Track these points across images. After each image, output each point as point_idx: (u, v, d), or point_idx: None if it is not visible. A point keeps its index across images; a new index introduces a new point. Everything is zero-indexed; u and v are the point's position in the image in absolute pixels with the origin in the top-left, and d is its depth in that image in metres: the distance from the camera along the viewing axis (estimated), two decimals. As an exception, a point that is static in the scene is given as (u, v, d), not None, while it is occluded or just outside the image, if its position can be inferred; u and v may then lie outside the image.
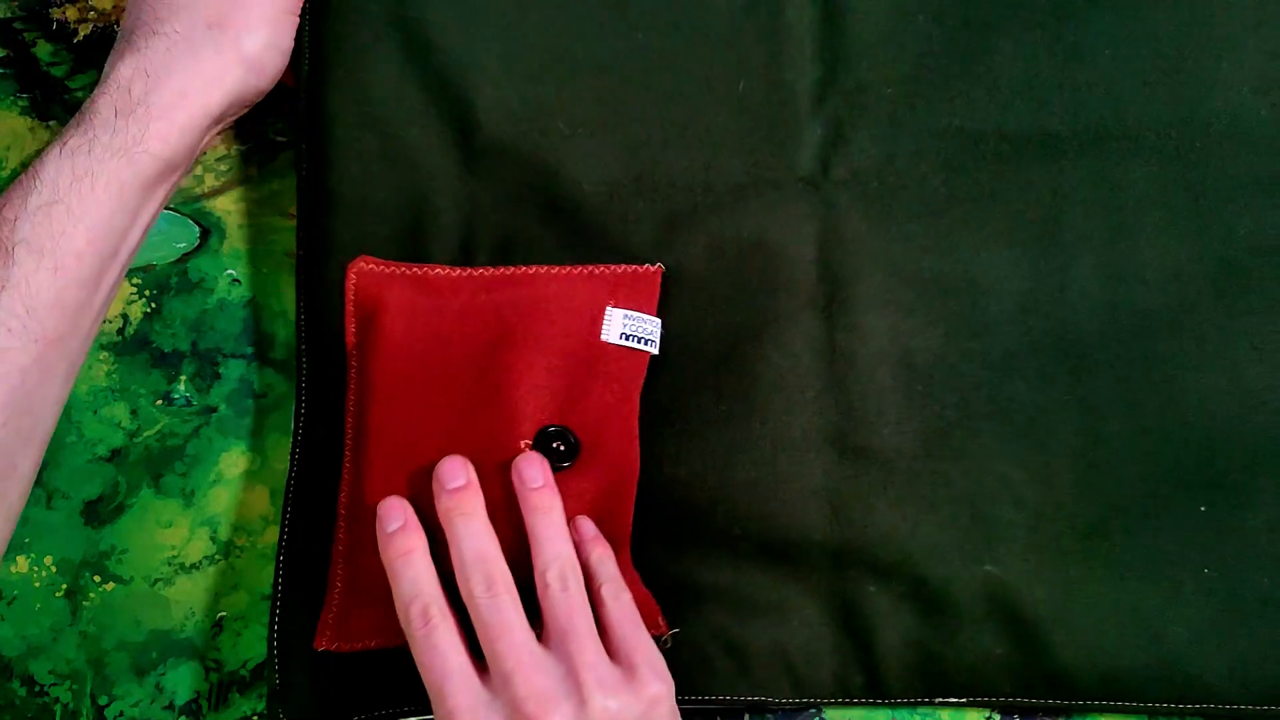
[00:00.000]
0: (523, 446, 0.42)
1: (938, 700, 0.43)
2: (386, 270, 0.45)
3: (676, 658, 0.42)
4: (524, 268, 0.45)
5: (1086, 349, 0.44)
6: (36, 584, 0.46)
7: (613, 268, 0.45)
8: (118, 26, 0.50)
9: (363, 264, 0.45)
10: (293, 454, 0.45)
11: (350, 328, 0.45)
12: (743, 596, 0.43)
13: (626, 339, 0.44)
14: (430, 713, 0.43)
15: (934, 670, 0.42)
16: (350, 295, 0.45)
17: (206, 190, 0.49)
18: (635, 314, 0.44)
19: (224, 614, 0.45)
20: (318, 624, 0.42)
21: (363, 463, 0.43)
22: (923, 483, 0.44)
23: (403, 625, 0.38)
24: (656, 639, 0.41)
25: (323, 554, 0.43)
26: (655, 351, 0.44)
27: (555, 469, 0.42)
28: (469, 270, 0.45)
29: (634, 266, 0.45)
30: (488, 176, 0.46)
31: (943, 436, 0.44)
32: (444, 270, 0.45)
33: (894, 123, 0.46)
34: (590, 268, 0.45)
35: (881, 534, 0.43)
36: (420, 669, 0.38)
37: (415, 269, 0.45)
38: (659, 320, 0.45)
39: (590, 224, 0.46)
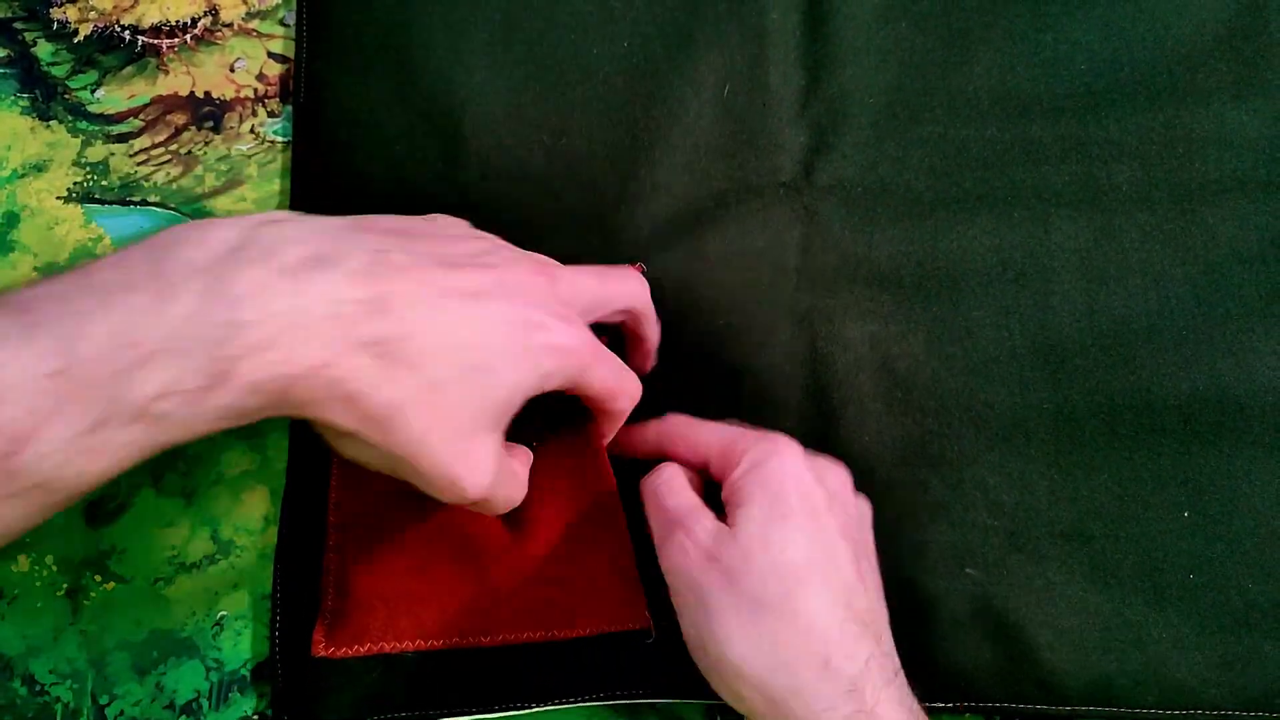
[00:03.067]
0: None
1: (927, 705, 0.43)
2: None
3: (671, 659, 0.42)
4: None
5: (1065, 354, 0.45)
6: (37, 583, 0.46)
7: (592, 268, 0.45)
8: (118, 26, 0.50)
9: None
10: (290, 454, 0.46)
11: None
12: None
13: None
14: (437, 715, 0.43)
15: (924, 674, 0.43)
16: None
17: (206, 190, 0.49)
18: None
19: (224, 614, 0.46)
20: (313, 632, 0.42)
21: (342, 471, 0.43)
22: (901, 489, 0.44)
23: None
24: (641, 632, 0.41)
25: (321, 554, 0.44)
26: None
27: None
28: None
29: (613, 267, 0.45)
30: (472, 190, 0.46)
31: (921, 444, 0.44)
32: None
33: (876, 130, 0.46)
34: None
35: None
36: None
37: None
38: None
39: (571, 231, 0.46)
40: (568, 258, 0.46)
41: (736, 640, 0.33)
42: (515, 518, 0.42)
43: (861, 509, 0.40)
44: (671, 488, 0.38)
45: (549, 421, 0.42)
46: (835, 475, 0.39)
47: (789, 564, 0.34)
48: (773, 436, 0.38)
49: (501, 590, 0.42)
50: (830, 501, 0.37)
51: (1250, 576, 0.43)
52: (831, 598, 0.34)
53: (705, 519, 0.36)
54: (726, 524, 0.36)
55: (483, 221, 0.46)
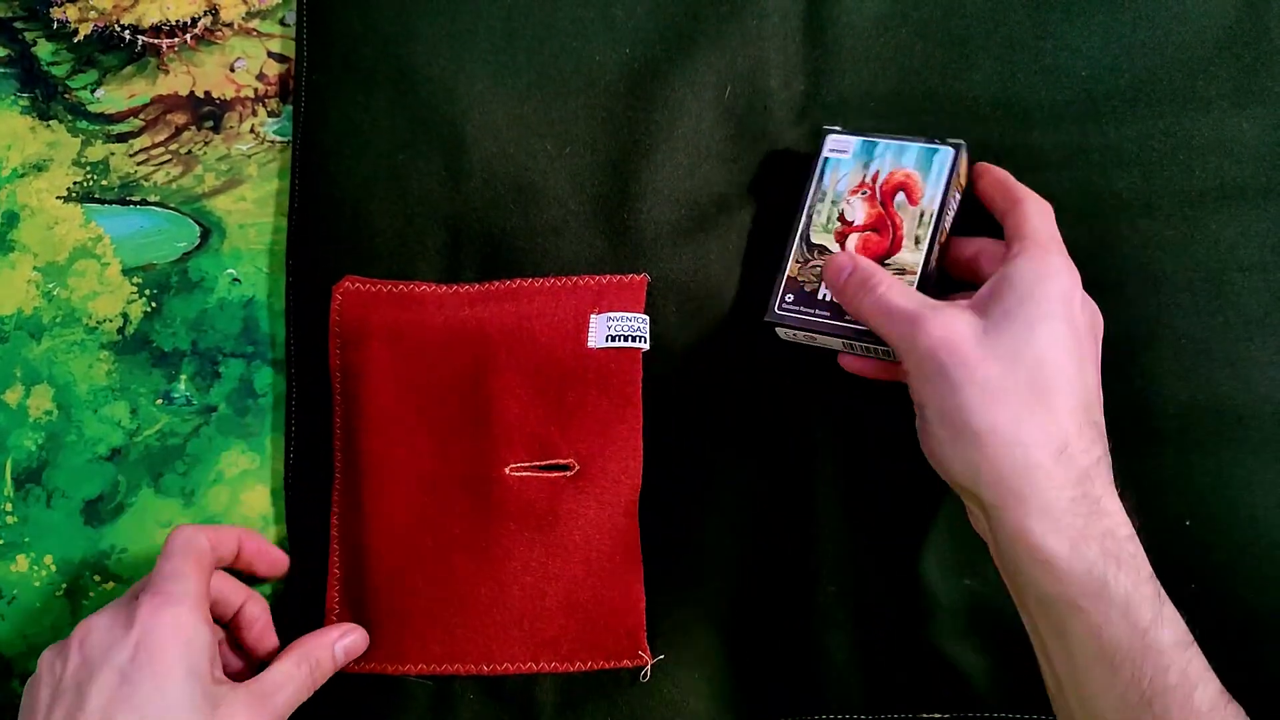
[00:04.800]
0: (508, 473, 0.42)
1: (923, 715, 0.43)
2: (371, 289, 0.45)
3: (687, 675, 0.43)
4: (507, 281, 0.45)
5: None
6: (37, 583, 0.46)
7: (597, 278, 0.45)
8: (118, 26, 0.50)
9: (348, 284, 0.45)
10: (286, 460, 0.46)
11: (334, 349, 0.45)
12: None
13: (613, 340, 0.43)
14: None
15: (921, 683, 0.43)
16: (335, 316, 0.45)
17: (207, 190, 0.49)
18: (619, 314, 0.44)
19: (222, 614, 0.46)
20: None
21: (354, 489, 0.43)
22: (899, 498, 0.44)
23: None
24: (636, 670, 0.41)
25: (321, 558, 0.44)
26: (645, 347, 0.43)
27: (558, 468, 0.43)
28: (453, 286, 0.45)
29: (618, 276, 0.45)
30: (475, 198, 0.46)
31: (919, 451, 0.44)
32: (429, 287, 0.45)
33: None
34: (574, 279, 0.45)
35: (865, 548, 0.43)
36: None
37: (400, 286, 0.45)
38: (646, 316, 0.44)
39: (576, 238, 0.46)
40: (571, 263, 0.46)
41: (983, 412, 0.35)
42: (545, 539, 0.42)
43: (1096, 319, 0.41)
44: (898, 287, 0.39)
45: (591, 438, 0.43)
46: (1079, 281, 0.40)
47: (1050, 362, 0.36)
48: (1044, 241, 0.39)
49: (514, 616, 0.42)
50: (1084, 308, 0.39)
51: (1251, 586, 0.43)
52: (1077, 400, 0.37)
53: (958, 310, 0.38)
54: (980, 298, 0.38)
55: (487, 229, 0.46)
